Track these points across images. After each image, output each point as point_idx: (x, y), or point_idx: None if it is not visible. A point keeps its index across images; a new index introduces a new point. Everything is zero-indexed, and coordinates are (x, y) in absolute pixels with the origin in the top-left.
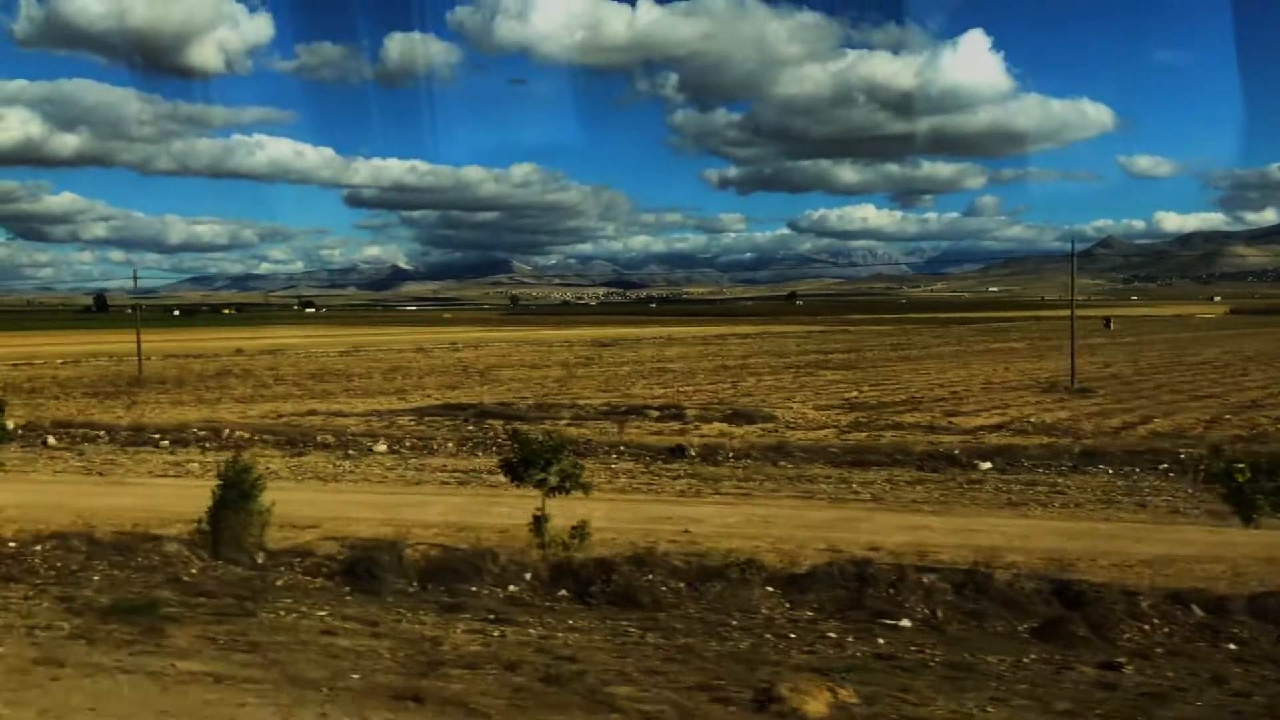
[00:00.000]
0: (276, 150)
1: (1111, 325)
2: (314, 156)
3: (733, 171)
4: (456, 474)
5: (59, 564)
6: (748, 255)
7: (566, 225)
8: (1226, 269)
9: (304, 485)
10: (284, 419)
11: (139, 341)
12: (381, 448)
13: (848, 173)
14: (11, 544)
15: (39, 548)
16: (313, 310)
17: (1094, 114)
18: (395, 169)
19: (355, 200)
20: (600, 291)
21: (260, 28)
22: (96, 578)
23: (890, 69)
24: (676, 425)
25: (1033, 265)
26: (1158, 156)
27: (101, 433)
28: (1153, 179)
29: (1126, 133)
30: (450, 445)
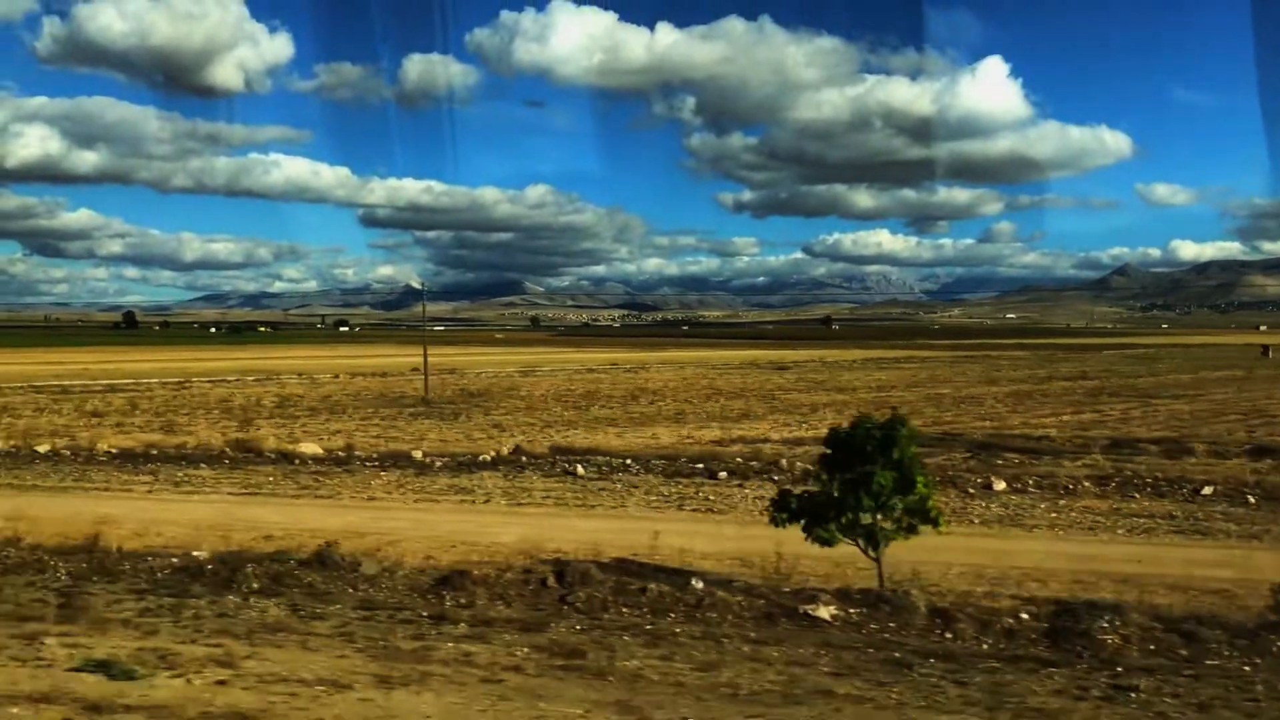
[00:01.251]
0: (293, 169)
1: (1270, 354)
2: (330, 176)
3: (748, 195)
4: (1163, 521)
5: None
6: (761, 279)
7: (581, 247)
8: (1245, 298)
9: (1034, 534)
10: (704, 446)
11: (425, 357)
12: (1001, 485)
13: (863, 198)
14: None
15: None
16: (346, 329)
17: (1112, 141)
18: (411, 189)
19: (370, 220)
20: (616, 314)
21: (280, 47)
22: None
23: (908, 94)
24: (1213, 461)
25: (1049, 293)
26: (1175, 185)
27: (628, 461)
28: (1170, 207)
29: (1144, 161)
30: (1087, 484)
